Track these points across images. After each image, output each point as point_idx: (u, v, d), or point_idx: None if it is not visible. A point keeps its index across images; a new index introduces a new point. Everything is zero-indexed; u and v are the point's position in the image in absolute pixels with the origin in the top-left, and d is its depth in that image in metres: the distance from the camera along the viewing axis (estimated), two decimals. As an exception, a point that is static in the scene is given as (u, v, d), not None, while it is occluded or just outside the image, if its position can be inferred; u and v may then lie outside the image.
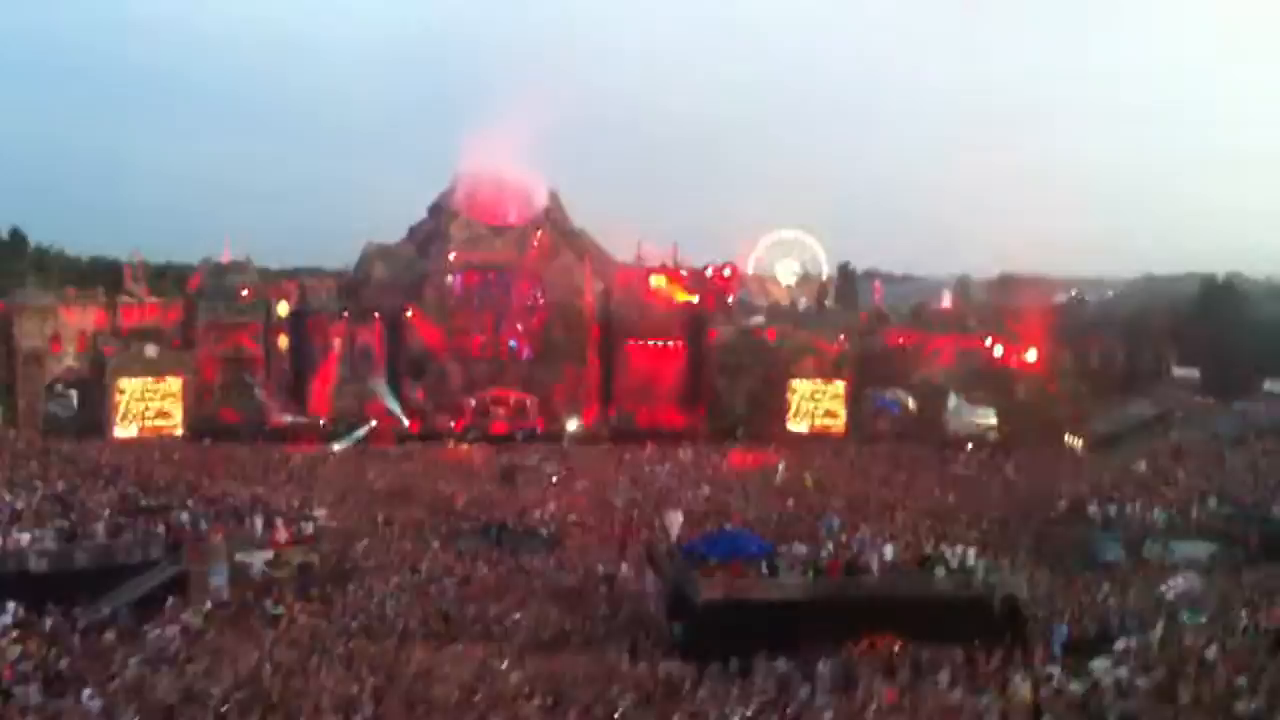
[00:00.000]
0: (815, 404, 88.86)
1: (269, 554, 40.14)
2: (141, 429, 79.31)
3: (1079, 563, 44.33)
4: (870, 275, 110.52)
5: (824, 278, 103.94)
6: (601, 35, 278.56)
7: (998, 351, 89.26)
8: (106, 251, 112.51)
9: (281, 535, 41.43)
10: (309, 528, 43.62)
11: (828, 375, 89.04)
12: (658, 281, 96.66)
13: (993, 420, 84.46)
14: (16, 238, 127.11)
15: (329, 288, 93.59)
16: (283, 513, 45.19)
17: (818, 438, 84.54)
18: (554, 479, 67.56)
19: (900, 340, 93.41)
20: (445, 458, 75.44)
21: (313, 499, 53.53)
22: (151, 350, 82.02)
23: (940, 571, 34.53)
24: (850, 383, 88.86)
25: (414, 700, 23.56)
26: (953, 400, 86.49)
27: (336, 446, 76.15)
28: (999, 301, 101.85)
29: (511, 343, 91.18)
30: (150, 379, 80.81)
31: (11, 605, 30.64)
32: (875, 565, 34.77)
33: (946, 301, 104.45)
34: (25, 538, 35.63)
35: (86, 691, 21.47)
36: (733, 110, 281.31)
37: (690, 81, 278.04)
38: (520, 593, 39.98)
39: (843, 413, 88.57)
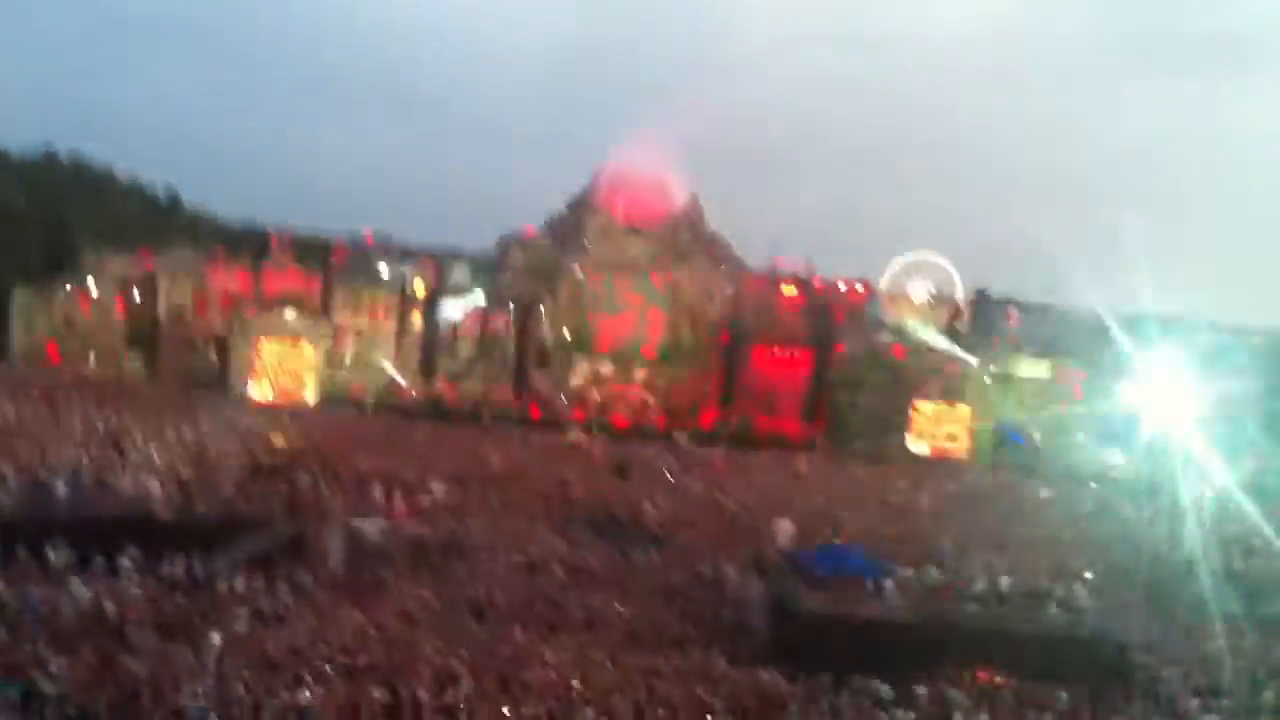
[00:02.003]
0: (938, 427, 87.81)
1: (384, 523, 40.89)
2: (275, 392, 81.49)
3: (1198, 613, 42.99)
4: (1006, 303, 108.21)
5: (958, 300, 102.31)
6: (754, 44, 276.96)
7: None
8: (256, 218, 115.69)
9: (398, 506, 42.22)
10: (425, 501, 44.39)
11: (953, 399, 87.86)
12: (789, 290, 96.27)
13: (1120, 460, 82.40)
14: (172, 199, 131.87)
15: (465, 270, 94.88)
16: (401, 485, 46.00)
17: (939, 460, 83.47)
18: (668, 477, 67.72)
19: (1033, 372, 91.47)
20: (562, 446, 76.09)
21: (432, 474, 54.36)
22: (290, 315, 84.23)
23: (1052, 608, 33.87)
24: (975, 409, 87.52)
25: (511, 683, 23.85)
26: (1081, 437, 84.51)
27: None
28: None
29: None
30: (287, 344, 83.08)
31: (133, 549, 31.82)
32: (985, 594, 34.23)
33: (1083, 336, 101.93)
34: (154, 485, 36.79)
35: (211, 636, 22.17)
36: (873, 132, 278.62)
37: (835, 96, 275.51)
38: (625, 587, 40.14)
39: (966, 438, 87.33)
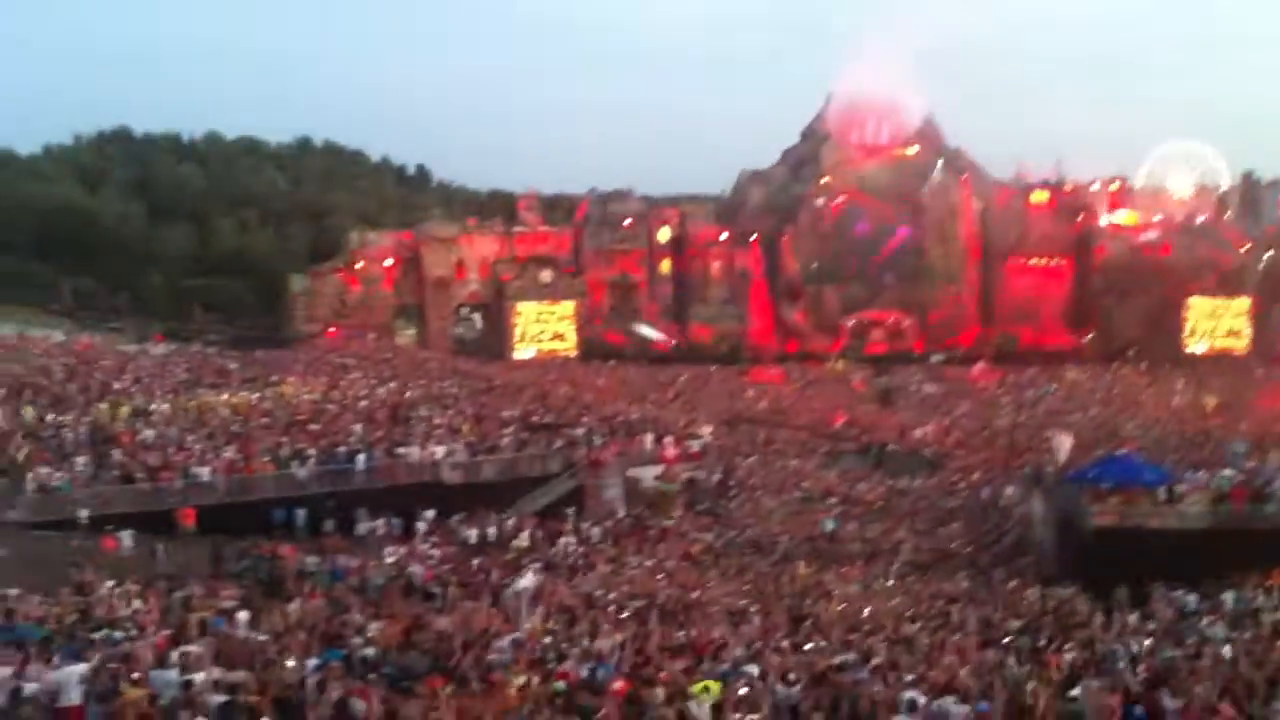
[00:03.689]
0: (1215, 323, 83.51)
1: (659, 469, 41.72)
2: (538, 350, 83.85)
3: None
4: (1278, 185, 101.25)
5: (1224, 189, 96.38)
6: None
7: None
8: (502, 185, 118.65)
9: (670, 452, 42.96)
10: (695, 445, 45.02)
11: (1230, 292, 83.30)
12: (1040, 198, 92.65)
13: None
14: (422, 173, 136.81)
15: (707, 213, 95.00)
16: (671, 430, 46.74)
17: (1219, 359, 79.39)
18: (935, 399, 66.86)
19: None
20: (823, 379, 75.91)
21: (698, 418, 55.10)
22: (546, 276, 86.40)
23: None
24: (1256, 300, 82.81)
25: (799, 616, 24.10)
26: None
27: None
28: None
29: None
30: (545, 303, 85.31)
31: (429, 513, 33.55)
32: (1285, 493, 32.54)
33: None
34: (440, 450, 38.46)
35: (510, 590, 23.16)
36: (1120, 22, 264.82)
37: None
38: (902, 514, 39.98)
39: (1247, 332, 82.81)
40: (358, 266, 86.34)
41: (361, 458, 36.14)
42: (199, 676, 15.03)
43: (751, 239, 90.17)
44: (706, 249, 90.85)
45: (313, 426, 40.81)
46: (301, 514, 32.52)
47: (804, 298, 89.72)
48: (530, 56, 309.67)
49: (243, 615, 20.89)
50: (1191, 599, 26.66)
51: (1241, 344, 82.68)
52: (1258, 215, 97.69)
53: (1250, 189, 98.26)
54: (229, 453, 35.85)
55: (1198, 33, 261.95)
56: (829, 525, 37.05)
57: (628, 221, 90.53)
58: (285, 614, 21.78)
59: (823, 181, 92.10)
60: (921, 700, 15.84)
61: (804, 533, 36.24)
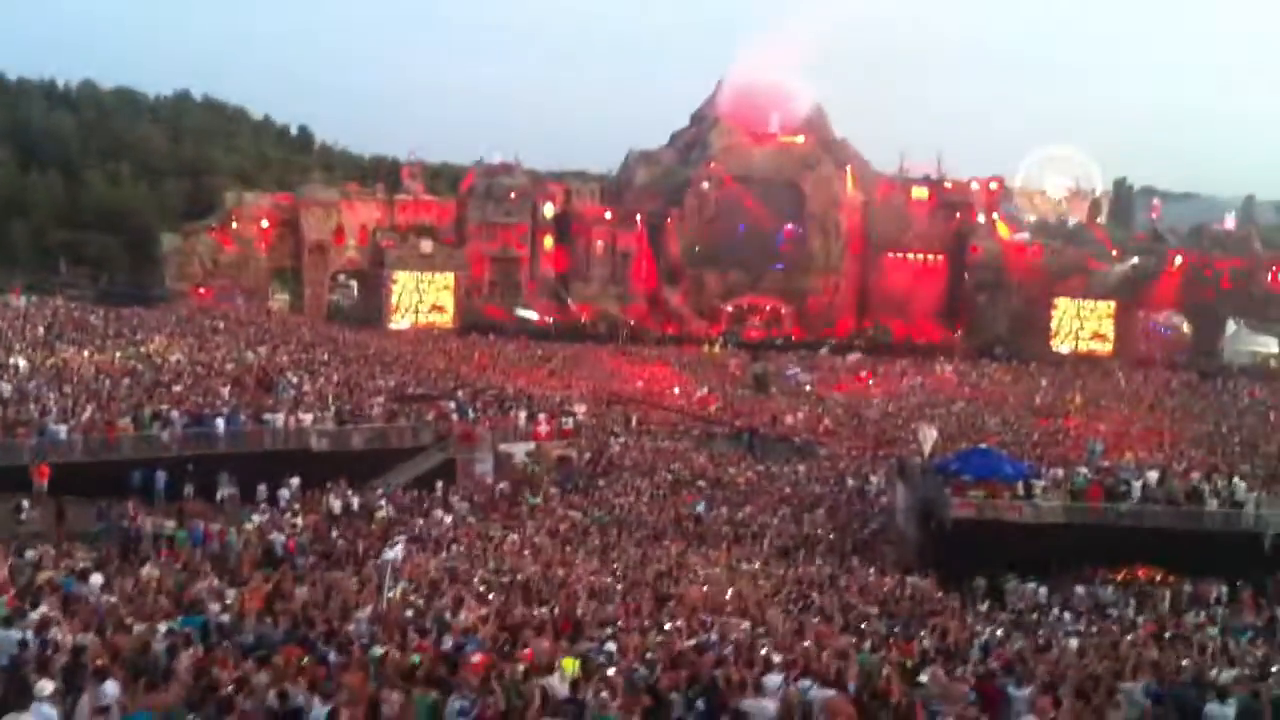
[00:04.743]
0: (1081, 324, 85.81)
1: (530, 445, 41.60)
2: (415, 321, 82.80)
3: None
4: (1148, 193, 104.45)
5: (1096, 194, 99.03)
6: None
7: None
8: (387, 151, 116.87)
9: (543, 428, 42.87)
10: (569, 423, 44.99)
11: (1096, 295, 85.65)
12: (920, 194, 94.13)
13: (1275, 349, 79.72)
14: (304, 134, 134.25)
15: (593, 191, 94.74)
16: (545, 407, 46.63)
17: (1082, 360, 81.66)
18: (807, 387, 67.63)
19: (1177, 261, 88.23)
20: (700, 362, 76.32)
21: (573, 396, 55.06)
22: (426, 246, 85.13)
23: (1209, 503, 33.09)
24: (1120, 304, 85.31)
25: (663, 596, 24.21)
26: (1231, 326, 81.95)
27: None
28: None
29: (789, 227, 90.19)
30: (424, 273, 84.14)
31: (294, 481, 32.96)
32: (1138, 493, 33.54)
33: (1230, 223, 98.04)
34: (308, 418, 37.79)
35: (373, 562, 22.87)
36: (1003, 27, 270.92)
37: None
38: (770, 498, 40.41)
39: (1111, 334, 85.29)
40: (233, 226, 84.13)
41: (223, 422, 35.35)
42: (42, 637, 14.64)
43: (636, 219, 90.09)
44: (591, 227, 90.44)
45: (177, 388, 39.84)
46: (161, 477, 31.65)
47: (685, 280, 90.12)
48: (425, 26, 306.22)
49: (96, 578, 20.38)
50: (1043, 591, 27.44)
51: (1105, 346, 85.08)
52: (1128, 221, 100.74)
53: (1122, 195, 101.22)
54: (88, 411, 34.83)
55: (1081, 45, 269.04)
56: (697, 508, 37.31)
57: (513, 195, 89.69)
58: (139, 578, 21.29)
59: (710, 165, 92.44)
60: (779, 683, 16.02)
61: (672, 514, 36.42)
